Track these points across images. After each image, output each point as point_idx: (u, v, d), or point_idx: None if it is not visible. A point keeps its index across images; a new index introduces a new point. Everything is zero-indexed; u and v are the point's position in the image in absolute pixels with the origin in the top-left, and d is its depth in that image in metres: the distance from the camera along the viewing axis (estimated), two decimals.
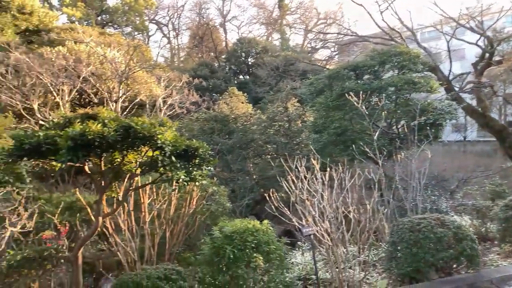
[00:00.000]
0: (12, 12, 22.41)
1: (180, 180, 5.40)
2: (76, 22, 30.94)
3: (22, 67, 15.59)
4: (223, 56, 41.90)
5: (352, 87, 13.45)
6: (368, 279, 7.17)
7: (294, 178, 6.86)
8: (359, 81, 14.82)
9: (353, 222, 6.87)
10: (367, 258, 7.43)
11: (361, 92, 10.21)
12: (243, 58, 38.41)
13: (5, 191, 5.76)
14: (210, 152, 6.07)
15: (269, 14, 48.99)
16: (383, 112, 11.55)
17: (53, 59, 16.10)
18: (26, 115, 15.12)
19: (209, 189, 8.36)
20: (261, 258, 6.14)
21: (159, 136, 5.16)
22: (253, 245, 6.01)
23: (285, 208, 6.88)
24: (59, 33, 22.34)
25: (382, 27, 25.17)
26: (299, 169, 7.03)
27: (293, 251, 9.24)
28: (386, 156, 9.74)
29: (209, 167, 6.16)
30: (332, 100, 14.49)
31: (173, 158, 5.34)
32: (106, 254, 7.19)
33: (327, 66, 31.96)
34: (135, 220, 7.05)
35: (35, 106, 15.18)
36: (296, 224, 6.88)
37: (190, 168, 5.67)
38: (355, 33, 28.25)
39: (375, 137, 9.33)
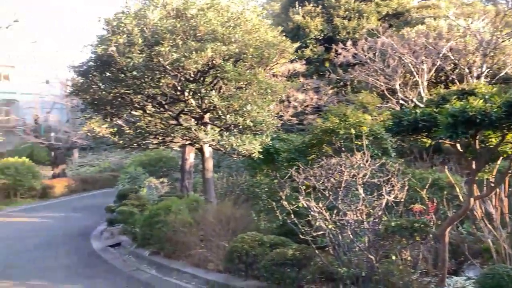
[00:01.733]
0: (375, 1, 24.70)
1: None
2: None
3: (386, 50, 16.94)
4: None
5: None
6: None
7: None
8: None
9: None
10: None
11: None
12: None
13: (379, 163, 6.38)
14: None
15: None
16: None
17: (413, 39, 16.54)
18: (388, 94, 16.47)
19: None
20: None
21: None
22: None
23: None
24: (416, 12, 22.74)
25: None
26: None
27: None
28: None
29: None
30: None
31: None
32: (470, 239, 6.78)
33: None
34: (508, 208, 6.25)
35: (397, 86, 16.26)
36: None
37: None
38: None
39: None
